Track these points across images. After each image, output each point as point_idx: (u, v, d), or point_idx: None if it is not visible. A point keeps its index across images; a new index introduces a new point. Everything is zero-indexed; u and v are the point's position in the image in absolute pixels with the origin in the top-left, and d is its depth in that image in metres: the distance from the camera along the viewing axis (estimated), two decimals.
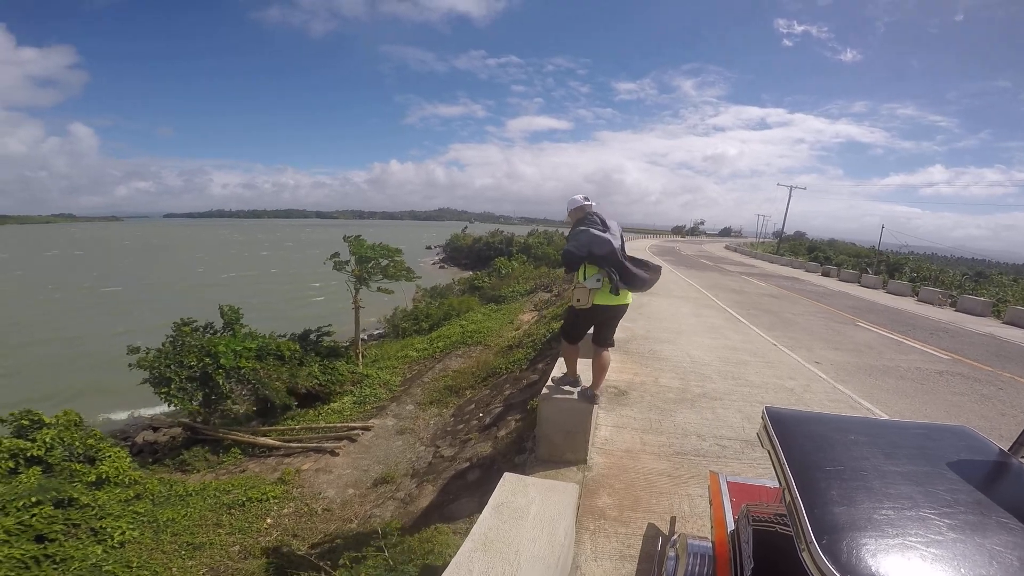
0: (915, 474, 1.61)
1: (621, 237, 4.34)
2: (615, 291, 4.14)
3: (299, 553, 6.16)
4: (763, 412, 2.05)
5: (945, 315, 17.66)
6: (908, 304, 19.94)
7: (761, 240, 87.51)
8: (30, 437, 8.32)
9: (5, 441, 8.08)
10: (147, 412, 16.07)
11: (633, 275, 4.20)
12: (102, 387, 18.78)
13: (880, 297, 21.59)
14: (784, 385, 7.72)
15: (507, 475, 3.33)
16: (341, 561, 4.67)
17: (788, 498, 1.62)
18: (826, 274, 31.26)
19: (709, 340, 10.24)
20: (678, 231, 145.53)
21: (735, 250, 56.84)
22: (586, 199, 4.44)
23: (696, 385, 7.34)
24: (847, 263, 40.71)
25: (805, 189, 55.81)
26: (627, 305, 4.41)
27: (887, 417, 6.63)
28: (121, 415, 16.79)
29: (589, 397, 4.68)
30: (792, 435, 1.88)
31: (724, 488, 2.89)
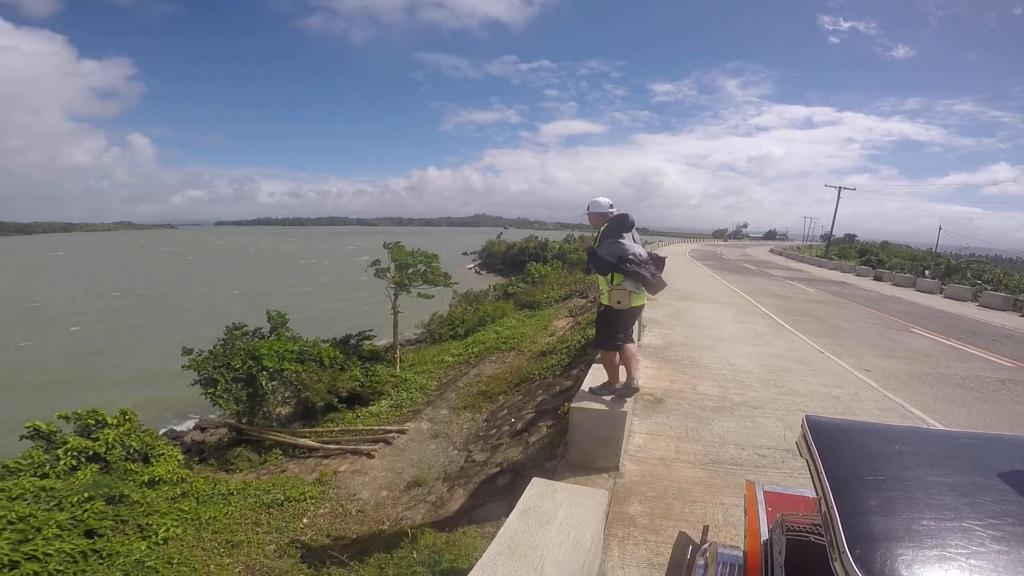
0: (962, 485, 1.53)
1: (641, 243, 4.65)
2: (650, 291, 4.51)
3: (331, 553, 6.31)
4: (803, 420, 2.00)
5: (1009, 320, 16.53)
6: (968, 309, 18.75)
7: (808, 243, 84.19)
8: (93, 436, 8.79)
9: (71, 440, 8.56)
10: (197, 414, 16.86)
11: (657, 280, 4.50)
12: (160, 387, 19.84)
13: (937, 302, 20.38)
14: (830, 394, 7.40)
15: (535, 480, 3.32)
16: (370, 561, 4.76)
17: (824, 507, 1.58)
18: (878, 278, 29.75)
19: (751, 347, 9.94)
20: (719, 235, 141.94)
21: (780, 254, 54.95)
22: (611, 205, 4.56)
23: (736, 393, 7.13)
24: (902, 266, 38.68)
25: (855, 190, 53.59)
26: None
27: (940, 427, 6.27)
28: (174, 415, 17.71)
29: (633, 389, 4.86)
30: (832, 444, 1.83)
31: (760, 497, 2.81)
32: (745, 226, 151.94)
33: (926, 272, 32.82)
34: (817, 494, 1.66)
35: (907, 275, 28.92)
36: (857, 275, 32.14)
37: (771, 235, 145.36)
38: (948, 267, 30.32)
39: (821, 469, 1.68)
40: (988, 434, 1.98)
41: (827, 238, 57.40)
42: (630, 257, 4.35)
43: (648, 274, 4.37)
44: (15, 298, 42.10)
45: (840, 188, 50.12)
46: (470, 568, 2.41)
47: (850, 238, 76.69)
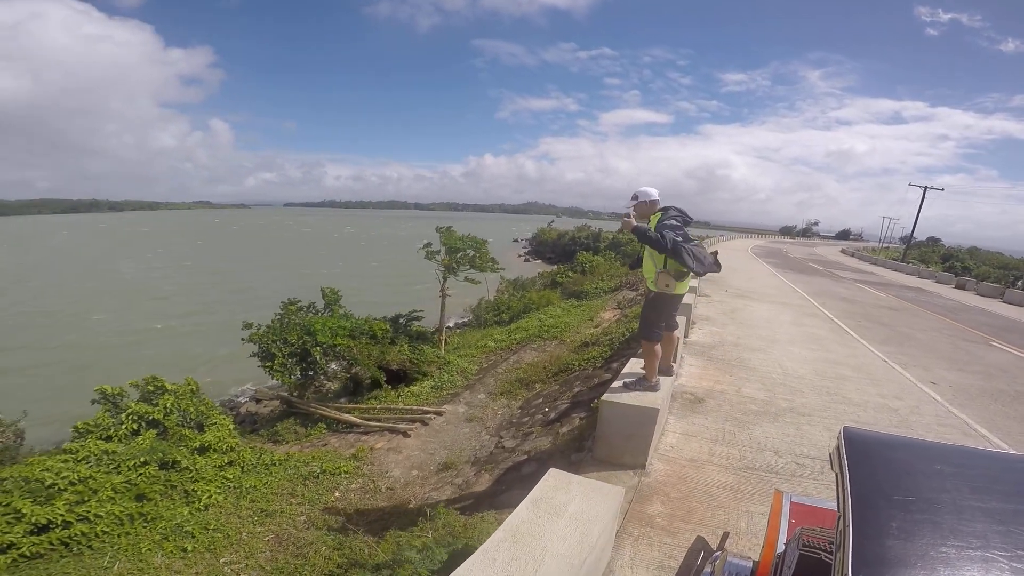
0: (1002, 512, 1.40)
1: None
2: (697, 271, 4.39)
3: (349, 527, 6.54)
4: (840, 431, 1.87)
5: None
6: None
7: (885, 245, 78.49)
8: (153, 402, 9.40)
9: (133, 405, 9.21)
10: (255, 385, 17.90)
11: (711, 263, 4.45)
12: (225, 359, 21.20)
13: None
14: (888, 405, 6.91)
15: (552, 471, 3.30)
16: (388, 537, 4.91)
17: (841, 524, 1.49)
18: (960, 286, 27.33)
19: (807, 351, 9.42)
20: (787, 232, 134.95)
21: (852, 255, 51.62)
22: (657, 198, 4.50)
23: (783, 398, 6.80)
24: (990, 275, 35.37)
25: (943, 190, 49.09)
26: None
27: (1006, 448, 5.72)
28: (235, 386, 18.89)
29: (667, 370, 4.97)
30: (866, 458, 1.70)
31: (786, 508, 2.67)
32: (816, 224, 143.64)
33: (1018, 283, 29.86)
34: (838, 510, 1.57)
35: (995, 285, 26.39)
36: (937, 282, 29.68)
37: (844, 235, 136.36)
38: None
39: (847, 483, 1.58)
40: None
41: (907, 240, 53.21)
42: (688, 246, 4.28)
43: (702, 258, 4.29)
44: (104, 273, 46.00)
45: (925, 188, 46.21)
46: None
47: (933, 241, 70.84)
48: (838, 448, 1.79)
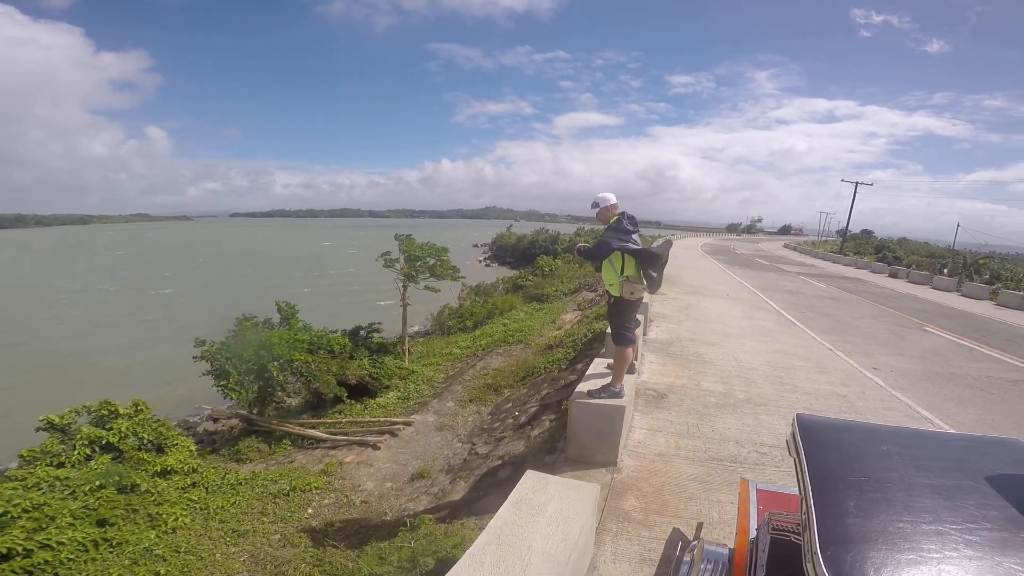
0: (946, 487, 1.53)
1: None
2: (650, 289, 4.55)
3: (330, 543, 6.42)
4: (793, 418, 2.00)
5: None
6: (984, 308, 18.38)
7: (824, 239, 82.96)
8: (107, 426, 8.97)
9: (85, 430, 8.77)
10: (210, 404, 17.12)
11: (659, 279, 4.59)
12: (175, 379, 20.15)
13: (953, 300, 20.02)
14: (836, 392, 7.34)
15: (529, 472, 3.36)
16: (368, 550, 4.84)
17: (803, 507, 1.59)
18: (894, 275, 29.25)
19: (759, 344, 9.87)
20: (733, 229, 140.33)
21: (794, 249, 54.25)
22: (615, 202, 4.62)
23: (740, 390, 7.11)
24: (919, 263, 37.99)
25: (872, 185, 52.37)
26: None
27: (947, 428, 6.20)
28: (187, 406, 18.00)
29: (630, 368, 4.98)
30: (819, 443, 1.82)
31: (753, 495, 2.82)
32: (759, 221, 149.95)
33: (943, 270, 32.21)
34: (800, 493, 1.67)
35: (923, 272, 28.39)
36: (872, 272, 31.63)
37: (786, 230, 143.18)
38: (967, 265, 29.62)
39: (804, 468, 1.69)
40: (984, 436, 1.96)
41: (843, 234, 56.50)
42: (636, 250, 4.42)
43: (654, 273, 4.45)
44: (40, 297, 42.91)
45: (857, 183, 49.17)
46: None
47: (867, 234, 75.43)
48: (793, 435, 1.92)
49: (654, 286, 4.56)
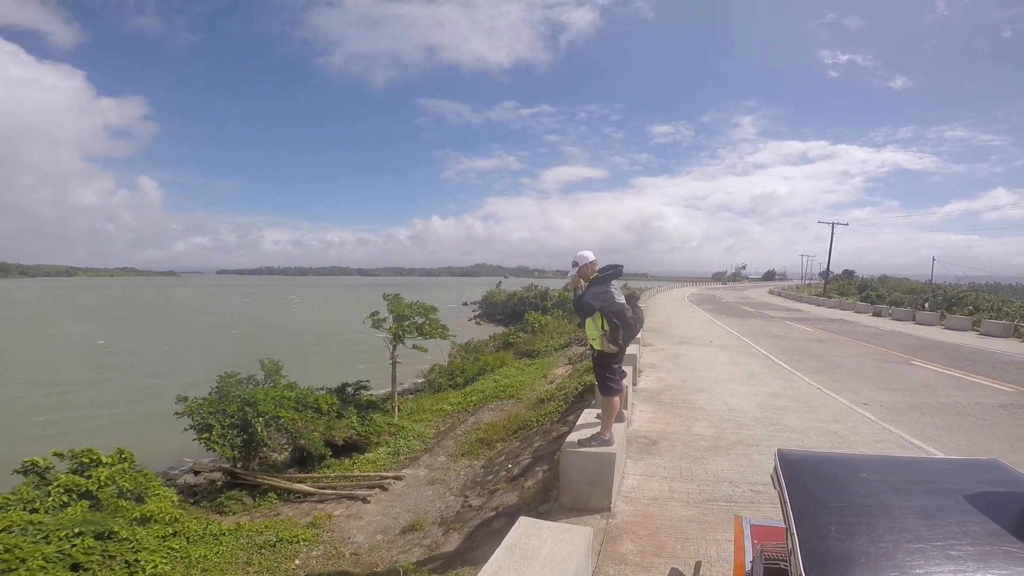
0: (925, 508, 1.60)
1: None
2: (623, 342, 4.69)
3: None
4: (775, 453, 2.09)
5: (1009, 347, 16.55)
6: (968, 339, 18.74)
7: (807, 282, 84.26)
8: (86, 474, 8.80)
9: (62, 477, 8.58)
10: (191, 458, 16.56)
11: (631, 331, 4.75)
12: (157, 431, 19.47)
13: (937, 334, 20.36)
14: (827, 428, 7.38)
15: (522, 519, 3.35)
16: None
17: (788, 535, 1.66)
18: (877, 314, 29.76)
19: (747, 387, 9.94)
20: (719, 277, 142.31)
21: (779, 294, 55.00)
22: (593, 259, 4.91)
23: (731, 432, 7.12)
24: (902, 300, 38.69)
25: (847, 224, 54.11)
26: None
27: (940, 455, 6.23)
28: (168, 459, 17.35)
29: (619, 416, 5.03)
30: (801, 475, 1.91)
31: (747, 530, 2.85)
32: (743, 268, 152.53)
33: (925, 305, 32.85)
34: (784, 523, 1.74)
35: (906, 309, 28.95)
36: (856, 312, 32.14)
37: (770, 275, 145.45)
38: (945, 297, 30.29)
39: (787, 498, 1.77)
40: (961, 459, 2.06)
41: (825, 275, 57.65)
42: (615, 310, 4.61)
43: (622, 339, 4.65)
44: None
45: (833, 224, 50.72)
46: None
47: (848, 274, 77.00)
48: (776, 468, 2.01)
49: (630, 338, 4.74)
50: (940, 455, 6.23)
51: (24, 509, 7.77)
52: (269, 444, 13.31)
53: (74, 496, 8.35)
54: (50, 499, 8.12)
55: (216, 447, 11.96)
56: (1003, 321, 21.04)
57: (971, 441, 6.90)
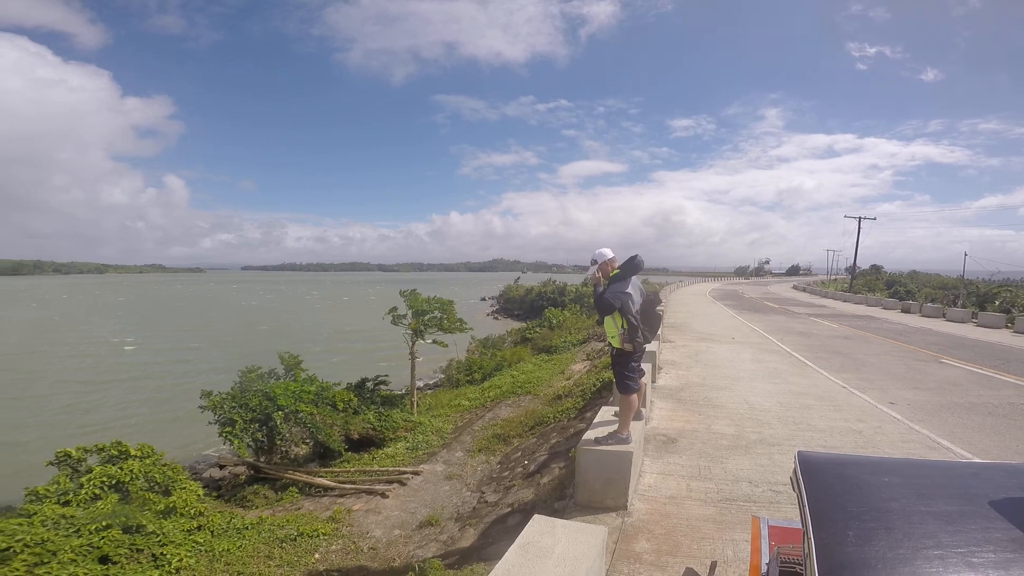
0: (947, 514, 1.55)
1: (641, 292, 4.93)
2: (642, 341, 4.69)
3: None
4: (795, 455, 2.05)
5: None
6: (1002, 336, 18.09)
7: (832, 277, 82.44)
8: (119, 466, 9.07)
9: (98, 468, 8.87)
10: (216, 452, 17.02)
11: (652, 329, 4.83)
12: (184, 425, 20.08)
13: (969, 331, 19.70)
14: (852, 428, 7.21)
15: (536, 516, 3.35)
16: None
17: (804, 539, 1.63)
18: (906, 310, 28.92)
19: (770, 385, 9.76)
20: (741, 272, 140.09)
21: (804, 290, 53.83)
22: (612, 256, 4.89)
23: (752, 431, 7.00)
24: (933, 296, 37.53)
25: (875, 219, 52.59)
26: None
27: (971, 458, 6.03)
28: (193, 453, 17.88)
29: (637, 414, 5.05)
30: (821, 477, 1.86)
31: (764, 532, 2.81)
32: (767, 262, 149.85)
33: (957, 301, 31.80)
34: (802, 526, 1.71)
35: (937, 305, 28.07)
36: (884, 308, 31.29)
37: (794, 270, 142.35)
38: (979, 295, 29.27)
39: (805, 502, 1.73)
40: (989, 463, 1.98)
41: (851, 271, 56.20)
42: (634, 310, 4.63)
43: (640, 338, 4.66)
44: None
45: (860, 218, 49.31)
46: None
47: (876, 269, 75.01)
48: (795, 471, 1.97)
49: (650, 338, 4.75)
50: (969, 457, 6.05)
51: (57, 502, 8.06)
52: (289, 438, 13.62)
53: (106, 488, 8.62)
54: (83, 491, 8.37)
55: (237, 442, 12.27)
56: None
57: (1003, 443, 6.66)
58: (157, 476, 9.24)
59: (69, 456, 9.20)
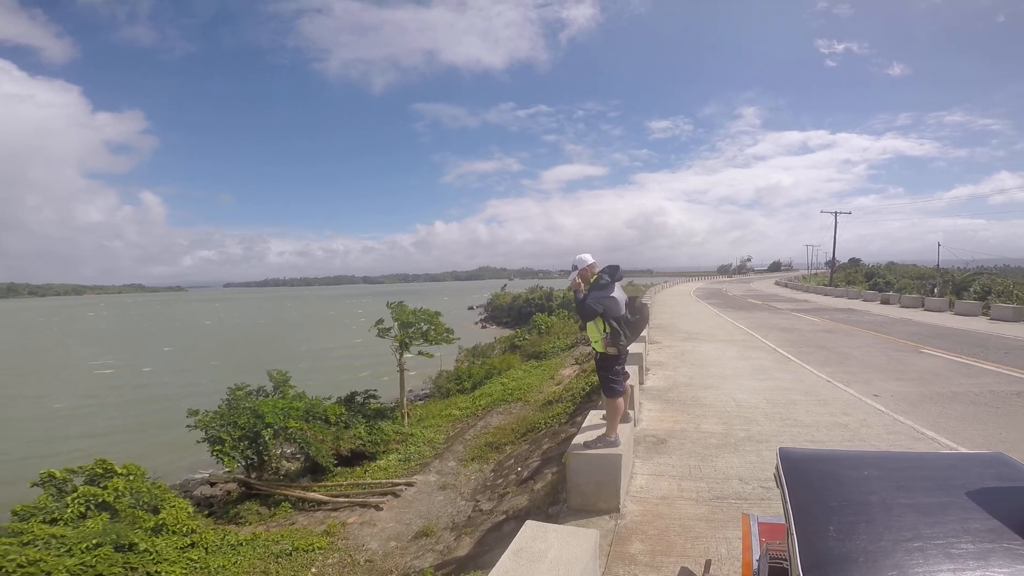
0: (926, 505, 1.59)
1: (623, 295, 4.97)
2: (625, 344, 4.74)
3: None
4: (777, 451, 2.08)
5: (1021, 331, 16.27)
6: (979, 324, 18.52)
7: (813, 272, 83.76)
8: (102, 485, 8.93)
9: (81, 488, 8.71)
10: (205, 470, 16.71)
11: (635, 332, 4.89)
12: (170, 445, 19.67)
13: (947, 320, 20.14)
14: (838, 422, 7.32)
15: (528, 522, 3.35)
16: None
17: (788, 534, 1.65)
18: (885, 302, 29.47)
19: (756, 382, 9.88)
20: (724, 270, 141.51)
21: (785, 285, 54.60)
22: (592, 261, 4.93)
23: (740, 429, 7.08)
24: (909, 287, 38.30)
25: (850, 213, 53.78)
26: None
27: (956, 447, 6.16)
28: (183, 471, 17.52)
29: (624, 417, 5.08)
30: (801, 473, 1.89)
31: (754, 528, 2.84)
32: (749, 260, 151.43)
33: (935, 291, 32.50)
34: (785, 522, 1.73)
35: (915, 295, 28.65)
36: (864, 300, 31.82)
37: (776, 266, 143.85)
38: (956, 283, 29.95)
39: (787, 498, 1.76)
40: (965, 453, 2.04)
41: (831, 265, 57.23)
42: (617, 314, 4.67)
43: (623, 341, 4.71)
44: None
45: (836, 213, 50.49)
46: None
47: (854, 262, 76.38)
48: (777, 468, 2.00)
49: (632, 339, 4.82)
50: (954, 446, 6.17)
51: (44, 521, 7.92)
52: (279, 454, 13.50)
53: (92, 507, 8.51)
54: (68, 510, 8.26)
55: (226, 460, 12.11)
56: (1014, 305, 20.78)
57: (987, 431, 6.79)
58: (145, 494, 9.13)
59: (53, 476, 9.06)
